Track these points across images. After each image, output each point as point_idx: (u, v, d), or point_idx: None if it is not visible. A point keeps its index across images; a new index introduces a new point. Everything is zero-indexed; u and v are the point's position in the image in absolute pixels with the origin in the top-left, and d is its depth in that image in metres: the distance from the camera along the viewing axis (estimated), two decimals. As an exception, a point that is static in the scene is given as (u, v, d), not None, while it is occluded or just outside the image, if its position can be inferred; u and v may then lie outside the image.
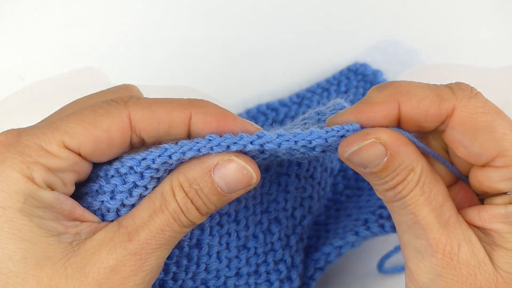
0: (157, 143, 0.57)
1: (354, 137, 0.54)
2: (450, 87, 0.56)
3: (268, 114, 0.89)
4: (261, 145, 0.54)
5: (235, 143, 0.54)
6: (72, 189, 0.56)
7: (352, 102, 0.85)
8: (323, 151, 0.57)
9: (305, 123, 0.59)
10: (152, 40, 0.95)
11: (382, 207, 0.73)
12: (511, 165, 0.54)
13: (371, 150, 0.54)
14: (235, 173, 0.55)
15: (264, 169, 0.64)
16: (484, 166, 0.55)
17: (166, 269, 0.62)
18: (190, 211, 0.56)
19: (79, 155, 0.55)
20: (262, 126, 0.65)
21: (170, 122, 0.56)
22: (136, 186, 0.55)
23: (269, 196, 0.68)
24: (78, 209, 0.55)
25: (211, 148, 0.54)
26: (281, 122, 0.89)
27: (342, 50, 0.96)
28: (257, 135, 0.54)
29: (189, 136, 0.57)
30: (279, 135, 0.55)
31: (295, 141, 0.54)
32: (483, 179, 0.56)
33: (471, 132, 0.54)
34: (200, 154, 0.54)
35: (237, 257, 0.66)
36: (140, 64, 0.93)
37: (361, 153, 0.54)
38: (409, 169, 0.55)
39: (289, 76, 0.95)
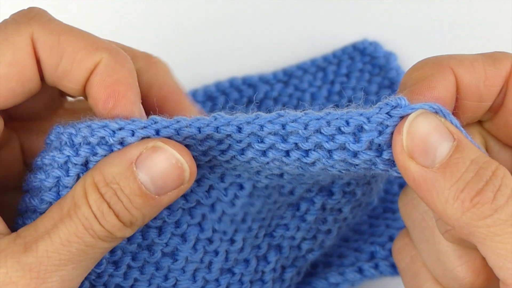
0: (55, 86, 0.53)
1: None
2: (497, 51, 0.52)
3: (244, 90, 0.78)
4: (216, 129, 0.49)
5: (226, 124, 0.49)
6: None
7: (354, 89, 0.71)
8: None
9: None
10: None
11: (393, 239, 0.62)
12: None
13: (429, 120, 0.46)
14: (162, 164, 0.48)
15: (289, 191, 0.58)
16: None
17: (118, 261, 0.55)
18: (106, 217, 0.48)
19: None
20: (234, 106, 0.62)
21: (74, 63, 0.50)
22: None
23: (280, 219, 0.60)
24: None
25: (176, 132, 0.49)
26: (260, 104, 0.77)
27: (344, 24, 0.85)
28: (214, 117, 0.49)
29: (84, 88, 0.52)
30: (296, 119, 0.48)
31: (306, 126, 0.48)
32: None
33: None
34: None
35: (216, 280, 0.59)
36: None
37: (417, 126, 0.46)
38: (494, 164, 0.45)
39: (275, 47, 0.84)
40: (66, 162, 0.50)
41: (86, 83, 0.51)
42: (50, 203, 0.50)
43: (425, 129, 0.46)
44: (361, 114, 0.46)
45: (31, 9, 0.52)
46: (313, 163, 0.49)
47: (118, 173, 0.48)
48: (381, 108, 0.46)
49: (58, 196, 0.50)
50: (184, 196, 0.54)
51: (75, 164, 0.50)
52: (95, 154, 0.49)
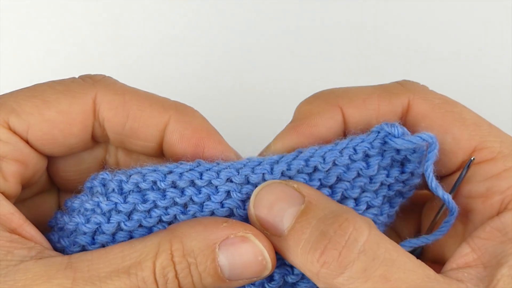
0: (121, 145, 0.51)
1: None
2: (398, 82, 0.52)
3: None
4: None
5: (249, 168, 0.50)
6: (15, 187, 0.48)
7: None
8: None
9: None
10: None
11: None
12: (494, 158, 0.48)
13: (280, 192, 0.47)
14: (247, 256, 0.46)
15: None
16: (450, 174, 0.50)
17: None
18: (168, 286, 0.46)
19: (26, 141, 0.48)
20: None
21: (141, 120, 0.50)
22: (156, 206, 0.50)
23: None
24: (17, 218, 0.47)
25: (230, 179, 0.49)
26: None
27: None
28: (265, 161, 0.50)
29: (161, 146, 0.51)
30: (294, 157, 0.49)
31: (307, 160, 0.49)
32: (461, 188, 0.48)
33: (439, 125, 0.49)
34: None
35: None
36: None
37: (261, 200, 0.46)
38: (343, 217, 0.44)
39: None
40: (110, 210, 0.50)
41: (163, 144, 0.51)
42: (83, 247, 0.50)
43: (268, 201, 0.47)
44: (362, 141, 0.49)
45: (97, 74, 0.53)
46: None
47: (199, 248, 0.46)
48: (368, 135, 0.49)
49: (93, 241, 0.50)
50: None
51: (120, 212, 0.49)
52: (144, 201, 0.49)
